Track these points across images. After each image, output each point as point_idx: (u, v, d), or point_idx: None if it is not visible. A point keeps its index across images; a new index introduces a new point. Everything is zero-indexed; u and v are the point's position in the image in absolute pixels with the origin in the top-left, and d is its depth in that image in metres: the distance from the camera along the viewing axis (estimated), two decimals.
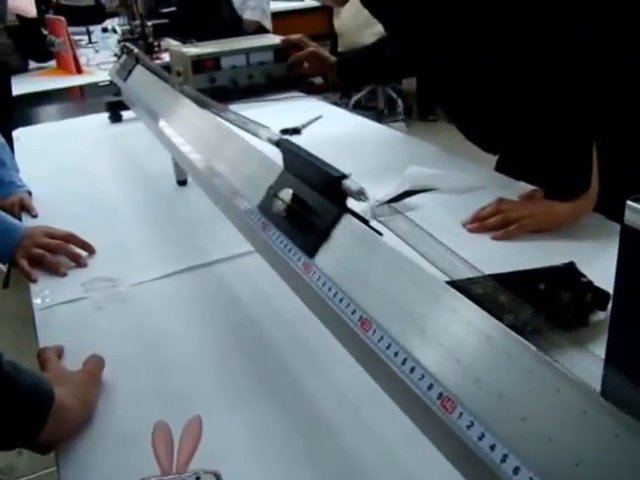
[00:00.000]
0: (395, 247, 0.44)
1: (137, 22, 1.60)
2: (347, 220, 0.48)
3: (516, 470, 0.29)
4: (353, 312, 0.43)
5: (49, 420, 0.53)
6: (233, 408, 0.59)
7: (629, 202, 0.43)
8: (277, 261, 0.55)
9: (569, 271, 0.73)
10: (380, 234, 0.47)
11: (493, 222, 0.88)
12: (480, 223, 0.89)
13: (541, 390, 0.31)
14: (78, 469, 0.54)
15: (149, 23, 1.62)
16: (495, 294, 0.52)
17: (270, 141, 0.65)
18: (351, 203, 0.50)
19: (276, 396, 0.61)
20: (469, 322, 0.37)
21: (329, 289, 0.46)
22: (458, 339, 0.36)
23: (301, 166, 0.55)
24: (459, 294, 0.39)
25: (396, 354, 0.39)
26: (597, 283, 0.65)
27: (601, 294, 0.67)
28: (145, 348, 0.70)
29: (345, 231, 0.48)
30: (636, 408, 0.28)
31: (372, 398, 0.47)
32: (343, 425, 0.56)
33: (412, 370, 0.38)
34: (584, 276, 0.71)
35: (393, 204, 0.95)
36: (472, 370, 0.34)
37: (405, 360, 0.38)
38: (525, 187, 0.97)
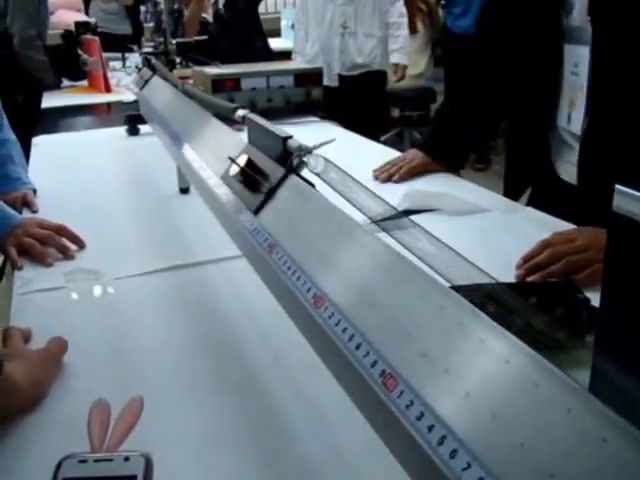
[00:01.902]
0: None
1: (161, 39, 1.63)
2: (292, 180, 0.49)
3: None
4: (305, 284, 0.40)
5: None
6: (187, 401, 0.56)
7: (618, 187, 0.39)
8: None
9: (566, 287, 0.69)
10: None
11: (542, 259, 0.76)
12: (530, 263, 0.77)
13: (517, 383, 0.25)
14: (17, 446, 0.51)
15: (173, 41, 1.66)
16: (483, 304, 0.48)
17: (237, 117, 0.68)
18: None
19: (234, 395, 0.57)
20: (423, 294, 0.34)
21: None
22: (410, 312, 0.33)
23: (259, 136, 0.58)
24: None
25: (344, 330, 0.36)
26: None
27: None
28: (113, 339, 0.67)
29: (289, 190, 0.49)
30: (626, 403, 0.24)
31: (334, 405, 0.47)
32: (299, 430, 0.52)
33: (358, 347, 0.34)
34: (581, 293, 0.67)
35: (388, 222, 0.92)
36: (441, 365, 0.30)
37: (352, 336, 0.35)
38: (532, 212, 0.94)
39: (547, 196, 1.03)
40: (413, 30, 3.57)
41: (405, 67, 2.84)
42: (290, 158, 0.52)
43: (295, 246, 0.44)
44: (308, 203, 0.48)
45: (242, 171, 0.57)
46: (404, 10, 2.76)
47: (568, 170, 0.96)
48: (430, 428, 0.27)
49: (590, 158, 0.90)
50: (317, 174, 0.49)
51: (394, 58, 2.77)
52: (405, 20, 2.76)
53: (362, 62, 2.72)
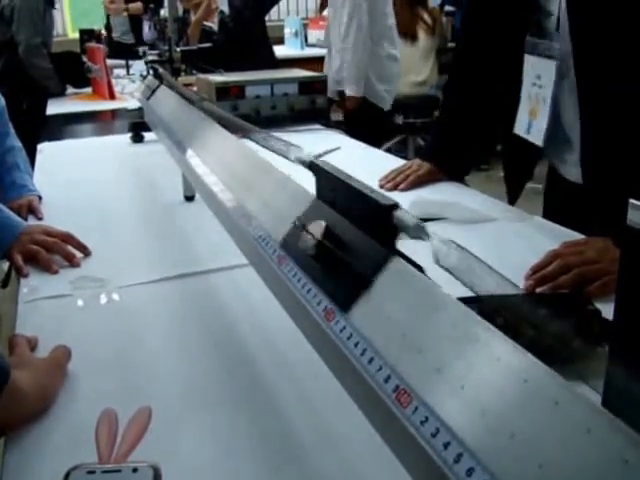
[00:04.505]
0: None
1: (166, 47, 1.64)
2: (396, 265, 0.36)
3: None
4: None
5: (1, 399, 0.50)
6: (195, 411, 0.56)
7: (632, 201, 0.39)
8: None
9: (575, 298, 0.68)
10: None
11: (551, 270, 0.75)
12: (540, 274, 0.75)
13: (536, 401, 0.25)
14: (24, 456, 0.50)
15: (177, 49, 1.66)
16: (492, 316, 0.48)
17: (301, 162, 0.54)
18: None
19: (243, 406, 0.57)
20: (436, 308, 0.33)
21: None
22: (422, 327, 0.33)
23: (339, 193, 0.43)
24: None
25: (356, 345, 0.35)
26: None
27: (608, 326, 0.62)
28: (120, 347, 0.67)
29: (393, 279, 0.36)
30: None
31: (345, 419, 0.46)
32: (309, 443, 0.52)
33: (370, 361, 0.34)
34: (592, 304, 0.66)
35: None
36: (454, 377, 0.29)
37: (364, 351, 0.35)
38: (539, 221, 0.93)
39: (559, 202, 1.04)
40: (413, 37, 3.56)
41: (352, 99, 2.22)
42: (395, 236, 0.39)
43: None
44: None
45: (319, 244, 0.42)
46: (355, 13, 2.14)
47: (570, 170, 0.96)
48: (446, 445, 0.27)
49: (593, 159, 0.90)
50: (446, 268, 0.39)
51: (347, 89, 2.26)
52: (352, 26, 2.17)
53: (336, 78, 2.33)
